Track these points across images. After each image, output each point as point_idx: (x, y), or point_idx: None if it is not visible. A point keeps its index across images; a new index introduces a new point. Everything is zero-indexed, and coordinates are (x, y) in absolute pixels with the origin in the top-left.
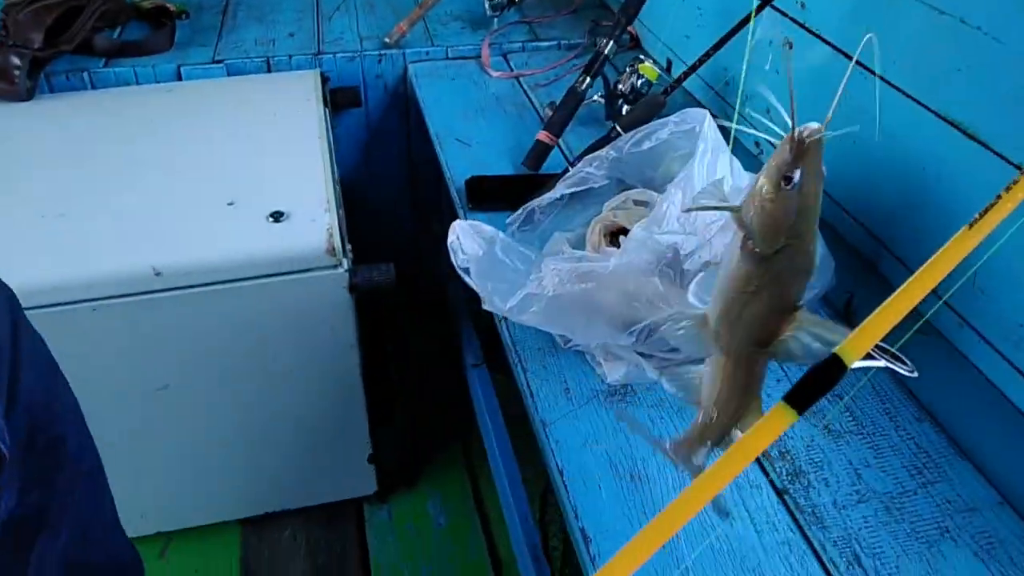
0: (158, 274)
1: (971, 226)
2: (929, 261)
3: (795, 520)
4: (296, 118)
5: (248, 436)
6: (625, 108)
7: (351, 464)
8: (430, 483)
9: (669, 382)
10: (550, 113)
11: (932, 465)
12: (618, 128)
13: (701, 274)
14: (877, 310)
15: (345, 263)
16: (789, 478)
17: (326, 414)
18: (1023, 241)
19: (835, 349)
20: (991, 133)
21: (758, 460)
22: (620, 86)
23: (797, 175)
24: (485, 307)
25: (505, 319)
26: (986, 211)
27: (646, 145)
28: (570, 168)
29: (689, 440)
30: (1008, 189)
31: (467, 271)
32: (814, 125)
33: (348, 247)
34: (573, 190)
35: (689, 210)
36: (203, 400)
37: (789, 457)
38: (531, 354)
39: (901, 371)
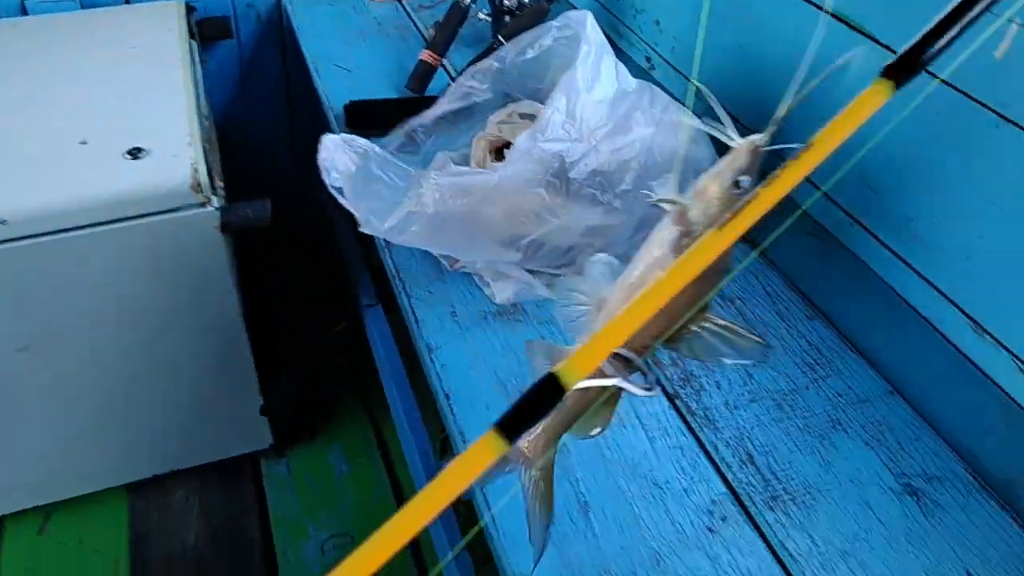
0: (3, 222)
1: (721, 229)
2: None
3: (687, 424)
4: (157, 51)
5: (126, 395)
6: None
7: (242, 418)
8: (331, 433)
9: (561, 305)
10: (434, 34)
11: (823, 361)
12: (501, 39)
13: (602, 257)
14: (607, 324)
15: (215, 201)
16: (680, 383)
17: (210, 366)
18: (906, 137)
19: (554, 368)
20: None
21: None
22: (506, 1)
23: (747, 181)
24: (363, 229)
25: (388, 245)
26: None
27: (529, 54)
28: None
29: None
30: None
31: (340, 191)
32: (757, 137)
33: (220, 185)
34: (456, 106)
35: (654, 203)
36: (71, 360)
37: (680, 363)
38: (416, 279)
39: (637, 392)
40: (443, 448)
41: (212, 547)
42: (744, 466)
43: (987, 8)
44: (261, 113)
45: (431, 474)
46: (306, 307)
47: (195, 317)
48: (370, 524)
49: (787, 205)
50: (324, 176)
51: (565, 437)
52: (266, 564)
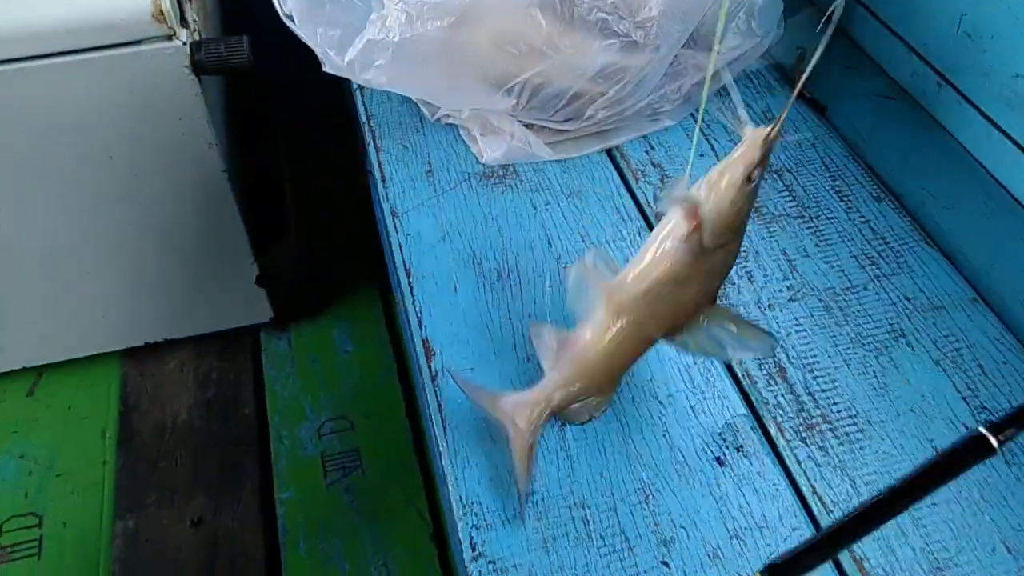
0: None
1: None
2: None
3: None
4: None
5: (109, 253)
6: None
7: (237, 288)
8: (338, 309)
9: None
10: None
11: (890, 254)
12: None
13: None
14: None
15: (183, 35)
16: None
17: (196, 227)
18: None
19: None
20: None
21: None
22: None
23: (758, 176)
24: (326, 69)
25: (360, 87)
26: None
27: None
28: None
29: (529, 403)
30: None
31: (292, 18)
32: (765, 129)
33: (193, 18)
34: None
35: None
36: (42, 210)
37: None
38: (390, 129)
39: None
40: None
41: (203, 422)
42: (773, 382)
43: None
44: None
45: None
46: (317, 164)
47: (174, 171)
48: (371, 409)
49: (857, 57)
50: (276, 2)
51: None
52: (259, 443)
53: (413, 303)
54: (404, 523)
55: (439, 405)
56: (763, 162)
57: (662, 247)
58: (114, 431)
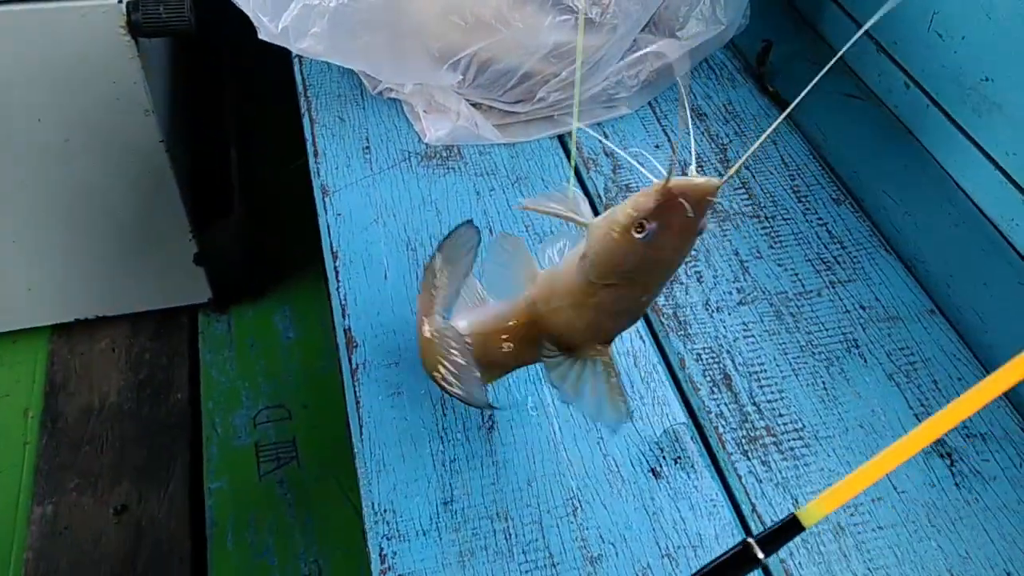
0: None
1: None
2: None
3: (648, 324)
4: None
5: (39, 223)
6: None
7: (175, 266)
8: (282, 293)
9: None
10: None
11: (846, 259)
12: None
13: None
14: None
15: None
16: None
17: (135, 201)
18: None
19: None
20: None
21: None
22: None
23: (651, 228)
24: (261, 35)
25: (300, 56)
26: None
27: None
28: None
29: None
30: None
31: None
32: (696, 179)
33: None
34: None
35: (528, 208)
36: None
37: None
38: (327, 100)
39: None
40: None
41: (134, 405)
42: (717, 390)
43: None
44: None
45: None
46: (267, 136)
47: (108, 139)
48: (311, 399)
49: (823, 53)
50: None
51: None
52: (191, 430)
53: (338, 289)
54: (339, 519)
55: (357, 402)
56: (661, 214)
57: (570, 261)
58: (38, 411)
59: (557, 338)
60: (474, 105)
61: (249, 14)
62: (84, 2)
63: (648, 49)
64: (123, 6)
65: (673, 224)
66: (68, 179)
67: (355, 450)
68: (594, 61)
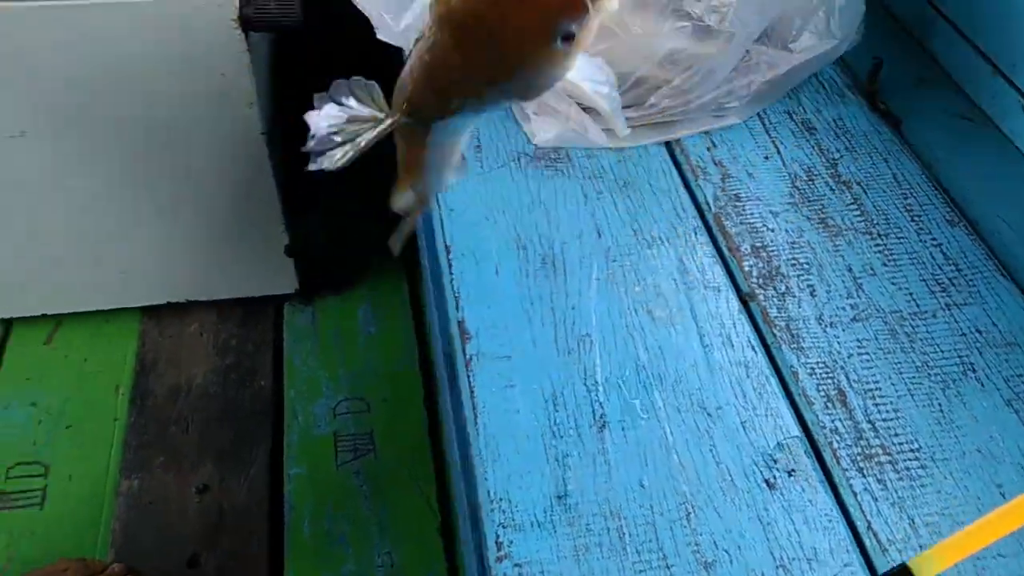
0: None
1: None
2: None
3: (760, 335)
4: None
5: (140, 205)
6: None
7: (266, 255)
8: (365, 286)
9: None
10: None
11: (962, 282)
12: None
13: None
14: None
15: None
16: (760, 280)
17: (231, 191)
18: None
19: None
20: None
21: (720, 253)
22: None
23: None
24: (379, 35)
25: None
26: None
27: None
28: None
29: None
30: None
31: None
32: None
33: None
34: None
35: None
36: (74, 153)
37: (765, 253)
38: None
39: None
40: None
41: (219, 388)
42: (831, 405)
43: None
44: None
45: (446, 351)
46: None
47: (210, 129)
48: (389, 393)
49: (932, 71)
50: None
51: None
52: (273, 416)
53: (451, 282)
54: (412, 512)
55: (471, 391)
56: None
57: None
58: (128, 388)
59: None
60: (583, 108)
61: (370, 13)
62: None
63: (761, 60)
64: (235, 0)
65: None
66: (170, 166)
67: (469, 439)
68: (708, 69)
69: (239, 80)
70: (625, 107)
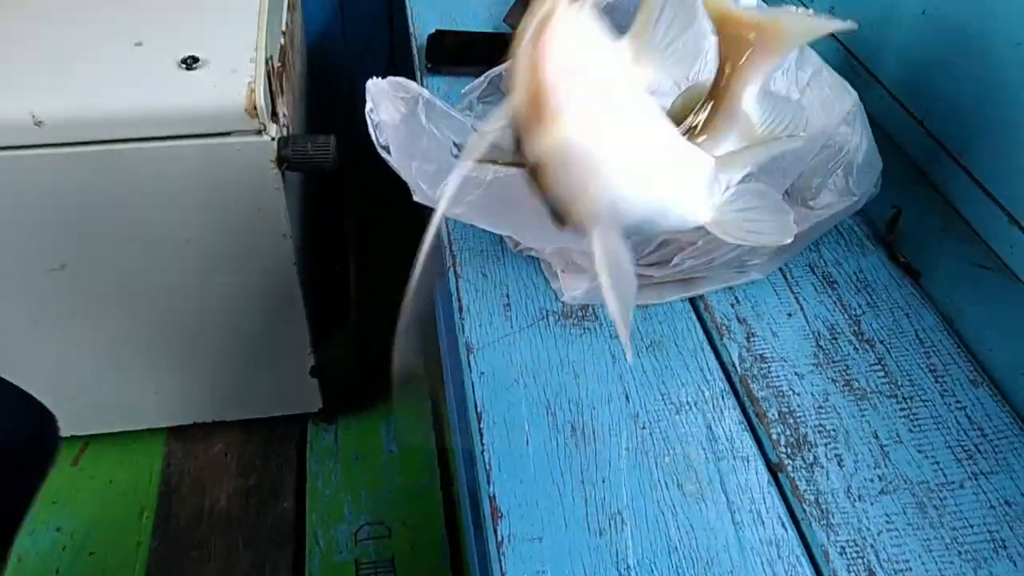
0: (39, 123)
1: None
2: None
3: (789, 510)
4: None
5: (169, 331)
6: None
7: (291, 376)
8: (387, 406)
9: None
10: None
11: (988, 449)
12: None
13: None
14: None
15: (272, 129)
16: (788, 449)
17: (259, 315)
18: None
19: None
20: None
21: (747, 419)
22: None
23: None
24: (416, 199)
25: None
26: None
27: None
28: None
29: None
30: None
31: (388, 149)
32: None
33: (284, 112)
34: None
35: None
36: (111, 284)
37: (792, 419)
38: (470, 256)
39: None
40: None
41: (241, 511)
42: None
43: None
44: (359, 41)
45: (472, 491)
46: (382, 265)
47: (245, 259)
48: (409, 517)
49: (951, 219)
50: (371, 130)
51: None
52: (295, 540)
53: (483, 452)
54: None
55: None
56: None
57: None
58: (152, 511)
59: None
60: None
61: (408, 181)
62: (242, 139)
63: None
64: (275, 142)
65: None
66: (203, 294)
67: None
68: None
69: (275, 215)
70: (649, 264)
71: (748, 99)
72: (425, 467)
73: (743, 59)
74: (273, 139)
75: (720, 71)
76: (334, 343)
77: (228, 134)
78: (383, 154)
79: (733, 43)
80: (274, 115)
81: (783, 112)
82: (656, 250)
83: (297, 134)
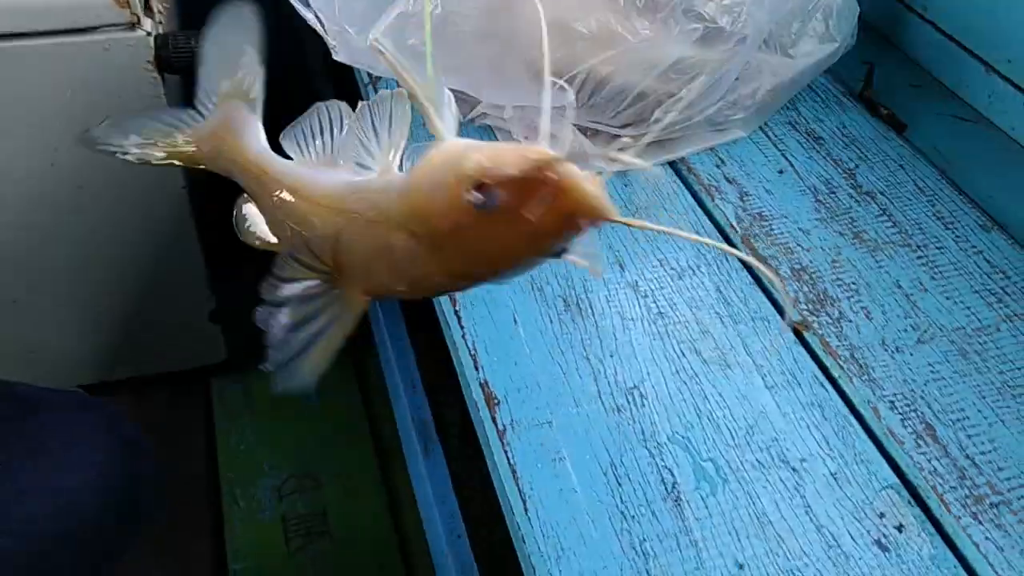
0: None
1: None
2: None
3: (824, 369)
4: None
5: (42, 277)
6: None
7: (189, 324)
8: None
9: None
10: None
11: (1015, 291)
12: None
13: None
14: None
15: (148, 24)
16: (810, 307)
17: (148, 253)
18: None
19: None
20: None
21: (756, 279)
22: None
23: (493, 199)
24: (337, 56)
25: (372, 78)
26: None
27: None
28: None
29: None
30: None
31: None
32: (594, 189)
33: (160, 7)
34: None
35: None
36: None
37: (807, 275)
38: (413, 129)
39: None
40: (435, 372)
41: None
42: (922, 443)
43: None
44: None
45: (417, 417)
46: None
47: (125, 184)
48: (339, 467)
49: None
50: None
51: None
52: (210, 504)
53: (464, 336)
54: None
55: (513, 470)
56: (523, 195)
57: (400, 175)
58: None
59: (331, 249)
60: (580, 128)
61: (328, 31)
62: (110, 35)
63: (763, 67)
64: (151, 39)
65: (524, 217)
66: (79, 228)
67: (520, 530)
68: (714, 78)
69: None
70: (625, 125)
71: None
72: (351, 413)
73: None
74: (149, 34)
75: None
76: (235, 282)
77: (95, 29)
78: (299, 7)
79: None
80: (148, 8)
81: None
82: (632, 105)
83: (178, 31)
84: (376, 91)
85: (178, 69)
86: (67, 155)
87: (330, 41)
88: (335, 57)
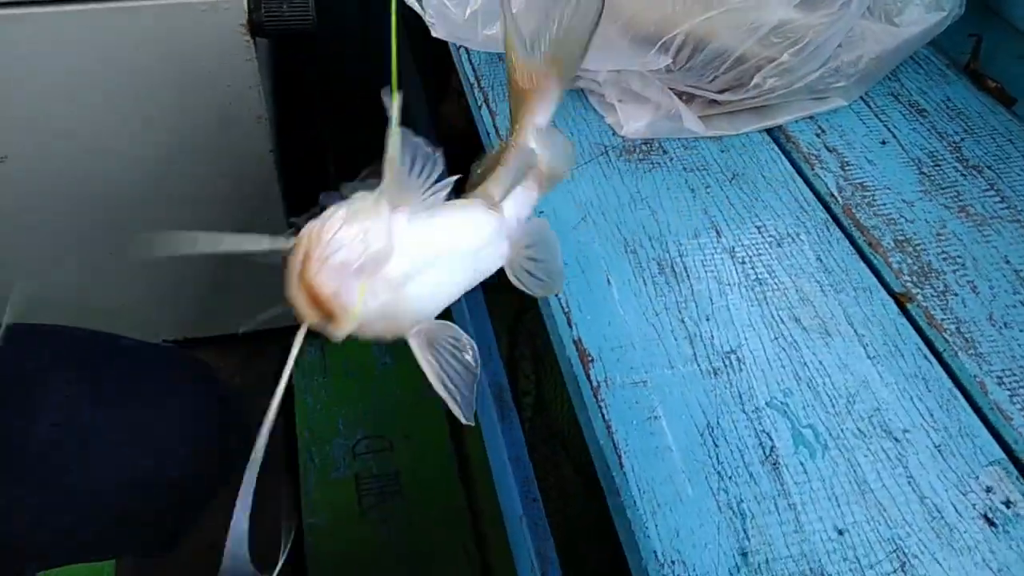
0: None
1: None
2: None
3: (927, 343)
4: None
5: (127, 235)
6: None
7: (271, 286)
8: None
9: None
10: None
11: None
12: None
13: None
14: None
15: None
16: (914, 278)
17: (233, 214)
18: None
19: None
20: None
21: (858, 249)
22: None
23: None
24: (435, 32)
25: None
26: None
27: None
28: None
29: None
30: None
31: None
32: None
33: None
34: None
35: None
36: (59, 180)
37: (911, 247)
38: (504, 91)
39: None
40: (511, 341)
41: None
42: None
43: None
44: None
45: (494, 382)
46: (363, 141)
47: (216, 146)
48: (411, 430)
49: None
50: None
51: None
52: (286, 460)
53: (558, 295)
54: (447, 561)
55: (608, 428)
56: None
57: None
58: None
59: None
60: (677, 94)
61: (428, 6)
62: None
63: (867, 34)
64: (244, 3)
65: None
66: (170, 187)
67: (616, 484)
68: (816, 43)
69: (247, 92)
70: (723, 90)
71: (531, 135)
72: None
73: (525, 103)
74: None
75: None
76: None
77: None
78: None
79: (516, 89)
80: None
81: (557, 145)
82: (731, 69)
83: None
84: (467, 54)
85: (268, 32)
86: (161, 117)
87: (428, 18)
88: (433, 34)
